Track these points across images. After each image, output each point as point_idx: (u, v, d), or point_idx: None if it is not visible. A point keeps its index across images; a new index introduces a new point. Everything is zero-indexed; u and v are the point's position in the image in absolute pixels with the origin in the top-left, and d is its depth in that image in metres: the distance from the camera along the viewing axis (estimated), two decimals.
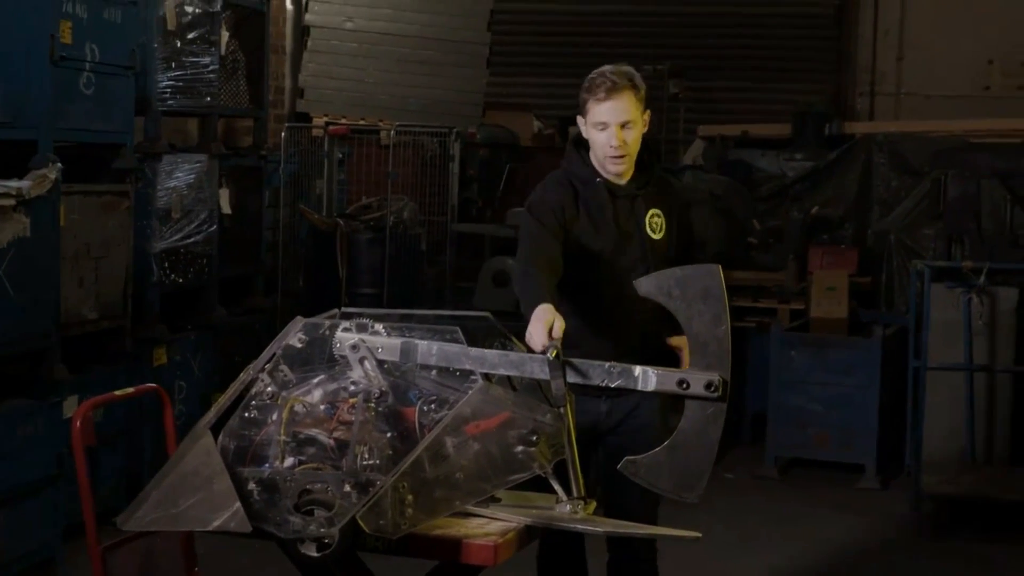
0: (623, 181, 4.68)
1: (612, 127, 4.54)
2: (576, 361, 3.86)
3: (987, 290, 8.33)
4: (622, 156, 4.58)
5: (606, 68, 4.61)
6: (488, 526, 3.73)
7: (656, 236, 4.69)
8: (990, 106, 12.65)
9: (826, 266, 9.82)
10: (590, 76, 4.61)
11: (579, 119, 4.68)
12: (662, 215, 4.73)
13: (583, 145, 4.73)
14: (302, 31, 11.34)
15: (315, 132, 10.24)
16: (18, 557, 5.95)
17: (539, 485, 3.91)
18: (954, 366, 8.29)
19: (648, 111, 4.66)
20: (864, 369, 8.70)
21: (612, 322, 4.61)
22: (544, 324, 3.94)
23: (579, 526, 3.87)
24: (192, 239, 7.71)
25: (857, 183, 10.83)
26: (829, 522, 7.84)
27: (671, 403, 4.55)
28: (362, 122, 10.70)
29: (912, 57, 13.52)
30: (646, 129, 4.67)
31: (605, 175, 4.66)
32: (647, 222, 4.68)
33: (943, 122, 11.46)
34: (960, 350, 8.33)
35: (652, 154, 4.83)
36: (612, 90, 4.52)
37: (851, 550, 7.39)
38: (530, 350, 3.94)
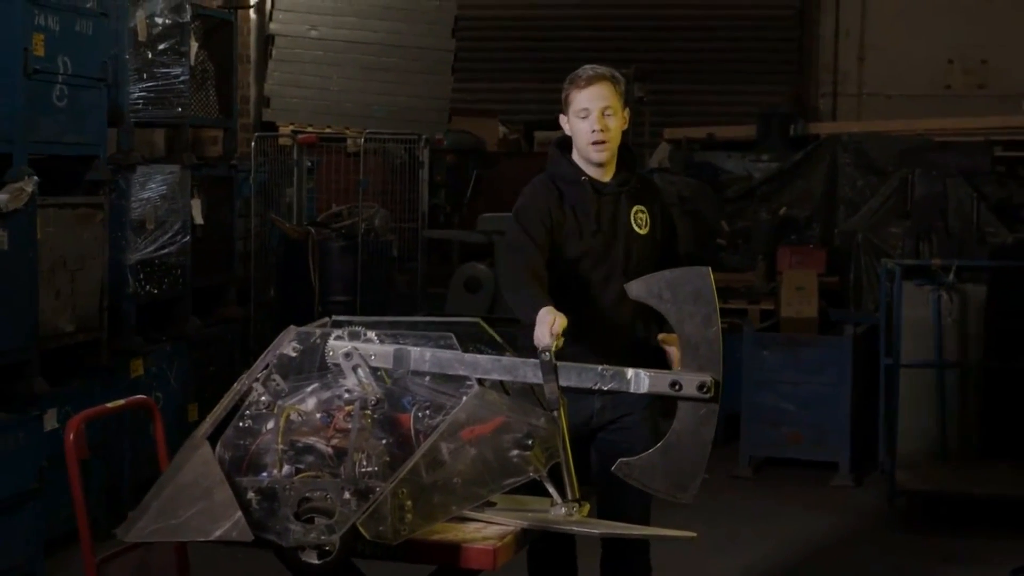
0: (607, 179, 4.78)
1: (594, 113, 4.67)
2: (568, 364, 3.89)
3: (956, 287, 8.40)
4: (604, 142, 4.69)
5: (587, 65, 4.78)
6: (485, 530, 3.76)
7: (642, 231, 4.78)
8: (951, 105, 12.81)
9: (795, 266, 9.90)
10: (572, 73, 4.77)
11: (561, 118, 4.81)
12: (646, 212, 4.82)
13: (566, 147, 4.83)
14: (266, 40, 11.31)
15: (282, 141, 10.23)
16: None
17: (534, 489, 3.94)
18: (925, 363, 8.36)
19: (628, 109, 4.80)
20: (836, 368, 8.76)
21: (603, 319, 4.68)
22: (547, 325, 4.00)
23: (575, 528, 3.91)
24: (166, 250, 7.68)
25: (823, 183, 10.94)
26: (804, 520, 7.89)
27: (662, 407, 4.62)
28: (328, 130, 10.70)
29: (873, 57, 13.67)
30: (626, 126, 4.80)
31: (589, 170, 4.76)
32: (632, 218, 4.77)
33: (906, 121, 11.60)
34: (930, 347, 8.40)
35: (632, 154, 4.95)
36: (593, 79, 4.69)
37: (826, 547, 7.44)
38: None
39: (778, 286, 9.73)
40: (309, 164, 10.03)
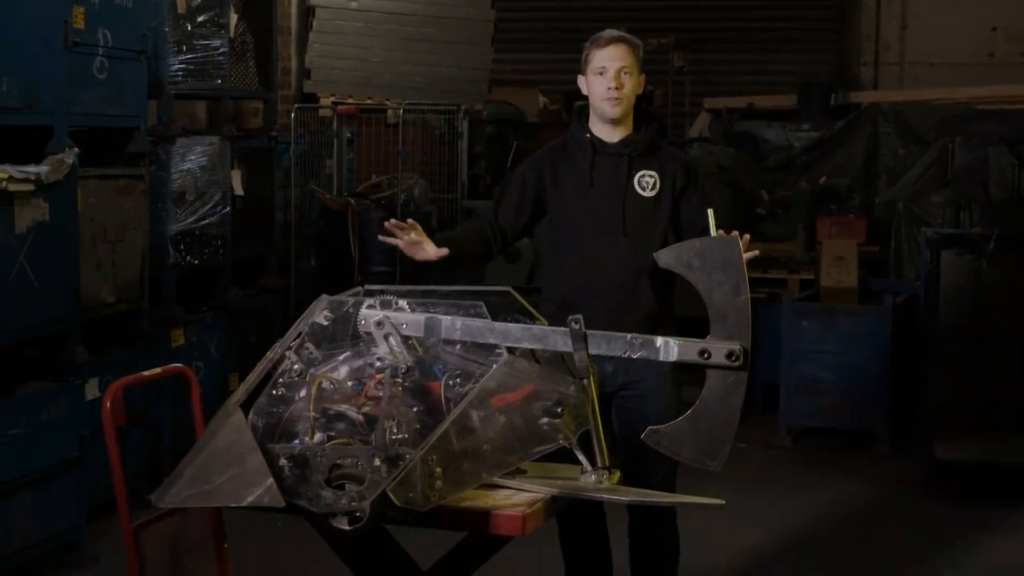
0: (615, 139, 4.90)
1: (611, 71, 4.82)
2: (598, 333, 3.91)
3: (996, 256, 8.34)
4: (619, 99, 4.83)
5: (608, 28, 4.96)
6: (515, 497, 3.78)
7: (646, 194, 4.88)
8: (994, 73, 12.67)
9: (835, 236, 9.87)
10: (594, 34, 4.95)
11: (580, 78, 4.97)
12: (656, 176, 4.91)
13: (584, 113, 4.99)
14: (307, 12, 11.34)
15: (323, 112, 10.27)
16: (43, 539, 6.00)
17: (564, 456, 3.97)
18: (964, 332, 8.32)
19: (644, 75, 4.96)
20: (875, 337, 8.74)
21: (602, 275, 4.82)
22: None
23: (604, 496, 3.93)
24: (206, 221, 7.75)
25: (864, 152, 10.88)
26: (842, 490, 7.90)
27: (679, 371, 4.68)
28: (369, 101, 10.73)
29: (915, 25, 13.52)
30: (642, 91, 4.95)
31: (598, 130, 4.92)
32: (636, 180, 4.88)
33: (948, 90, 11.51)
34: (970, 317, 8.36)
35: (650, 120, 5.05)
36: (613, 39, 4.88)
37: (863, 516, 7.46)
38: None
39: (818, 256, 9.71)
40: (349, 135, 10.08)
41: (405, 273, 9.09)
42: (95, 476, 6.16)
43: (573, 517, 4.94)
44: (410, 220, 4.78)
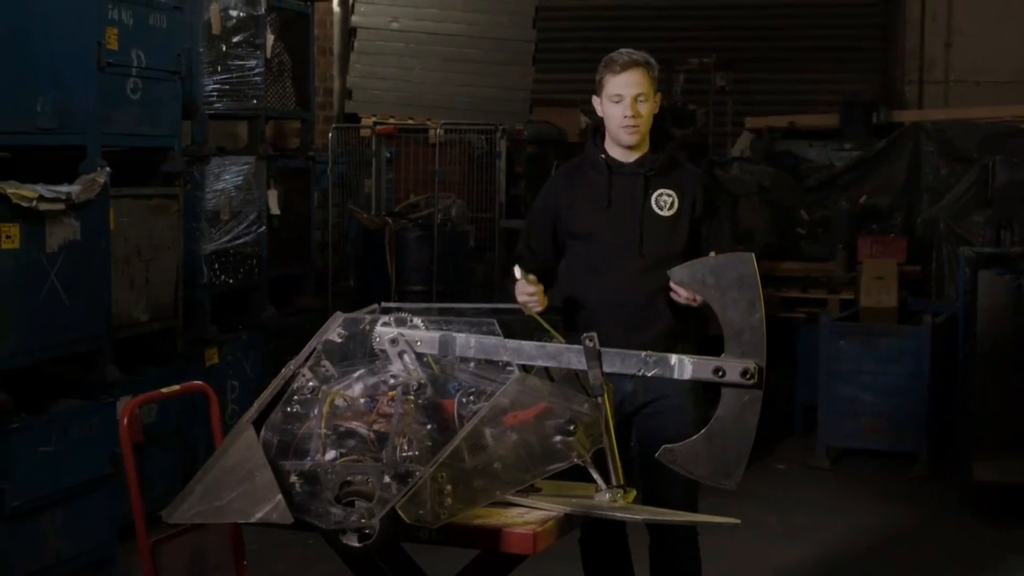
0: (630, 159, 4.86)
1: (627, 99, 4.77)
2: (612, 350, 3.90)
3: None
4: (636, 126, 4.79)
5: (623, 49, 4.89)
6: (527, 515, 3.77)
7: (664, 213, 4.84)
8: None
9: (875, 255, 9.81)
10: (607, 56, 4.87)
11: (594, 99, 4.91)
12: (674, 195, 4.87)
13: (599, 132, 4.97)
14: (349, 32, 11.41)
15: (363, 132, 10.31)
16: (74, 556, 6.03)
17: (579, 475, 3.95)
18: (1003, 353, 8.23)
19: (660, 94, 4.90)
20: (914, 357, 8.67)
21: (618, 294, 4.78)
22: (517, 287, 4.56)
23: (618, 514, 3.91)
24: (241, 240, 7.78)
25: (905, 171, 10.82)
26: (881, 511, 7.83)
27: (699, 390, 4.65)
28: (410, 121, 10.76)
29: (960, 43, 13.43)
30: (657, 110, 4.89)
31: (614, 151, 4.89)
32: (654, 200, 4.85)
33: (991, 108, 11.41)
34: (1009, 337, 8.27)
35: (667, 138, 5.10)
36: (628, 65, 4.80)
37: (902, 538, 7.39)
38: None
39: (858, 276, 9.65)
40: (388, 155, 10.11)
41: (441, 293, 9.12)
42: (127, 493, 6.18)
43: (595, 537, 4.92)
44: (530, 277, 4.59)
